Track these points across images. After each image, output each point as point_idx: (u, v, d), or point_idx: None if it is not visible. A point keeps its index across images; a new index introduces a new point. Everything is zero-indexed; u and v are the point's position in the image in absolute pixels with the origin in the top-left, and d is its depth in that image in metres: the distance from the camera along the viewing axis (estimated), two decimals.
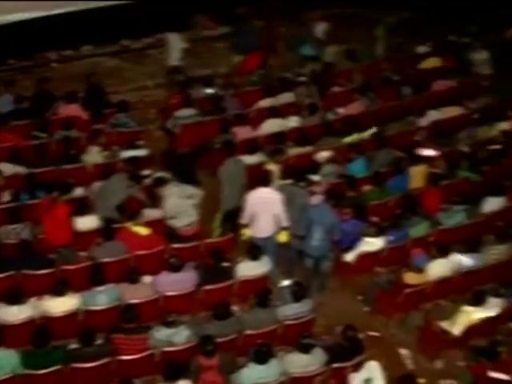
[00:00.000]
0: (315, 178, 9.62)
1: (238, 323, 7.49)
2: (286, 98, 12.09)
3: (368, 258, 8.85)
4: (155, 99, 12.92)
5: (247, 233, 8.97)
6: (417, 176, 10.27)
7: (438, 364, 8.13)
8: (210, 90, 12.20)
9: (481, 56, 13.99)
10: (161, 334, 7.23)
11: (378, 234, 8.92)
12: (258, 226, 8.85)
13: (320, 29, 14.63)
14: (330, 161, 10.28)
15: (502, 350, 7.68)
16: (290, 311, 7.73)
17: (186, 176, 9.54)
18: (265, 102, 11.91)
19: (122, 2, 14.59)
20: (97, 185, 9.60)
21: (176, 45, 13.28)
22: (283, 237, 8.94)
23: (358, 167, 10.42)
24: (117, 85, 13.18)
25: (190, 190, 9.15)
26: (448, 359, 8.13)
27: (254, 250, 8.29)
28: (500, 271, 8.83)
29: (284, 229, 8.90)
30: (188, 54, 13.69)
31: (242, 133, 10.92)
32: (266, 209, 8.76)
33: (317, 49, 14.12)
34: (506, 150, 11.29)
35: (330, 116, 11.87)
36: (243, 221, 8.94)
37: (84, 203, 9.15)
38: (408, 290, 8.36)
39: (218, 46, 15.07)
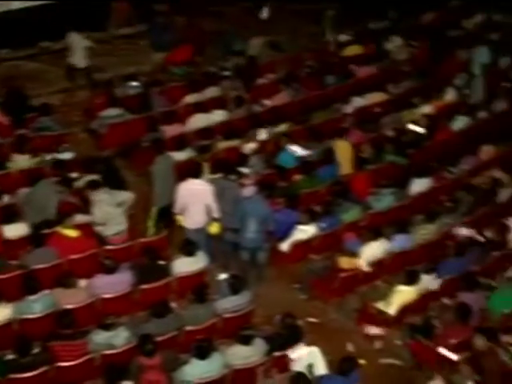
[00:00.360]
0: (244, 170, 9.67)
1: (177, 320, 7.46)
2: (212, 92, 12.08)
3: (302, 245, 8.96)
4: (79, 100, 12.66)
5: (181, 219, 8.96)
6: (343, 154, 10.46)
7: (377, 344, 8.29)
8: (134, 85, 12.05)
9: (396, 42, 14.35)
10: (99, 337, 7.13)
11: (310, 221, 9.03)
12: (189, 216, 8.84)
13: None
14: (256, 152, 10.34)
15: (436, 325, 7.93)
16: (229, 304, 7.74)
17: (115, 181, 9.40)
18: (191, 98, 11.87)
19: (39, 2, 14.23)
20: (23, 191, 9.35)
21: (79, 44, 12.99)
22: (214, 228, 8.94)
23: (287, 157, 10.52)
24: (38, 88, 12.83)
25: (121, 196, 8.99)
26: (386, 338, 8.30)
27: (189, 246, 8.26)
28: (430, 250, 9.09)
29: (215, 220, 8.90)
30: (109, 53, 13.49)
31: (170, 130, 10.85)
32: (196, 200, 8.76)
33: (240, 42, 14.13)
34: (430, 132, 11.62)
35: (257, 108, 11.93)
36: (175, 211, 8.93)
37: (11, 211, 8.91)
38: (343, 275, 8.51)
39: (141, 43, 14.88)
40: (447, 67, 13.79)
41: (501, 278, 8.95)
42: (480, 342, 7.40)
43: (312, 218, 9.08)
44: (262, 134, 10.92)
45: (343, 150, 10.61)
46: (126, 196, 9.05)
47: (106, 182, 9.17)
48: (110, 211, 8.74)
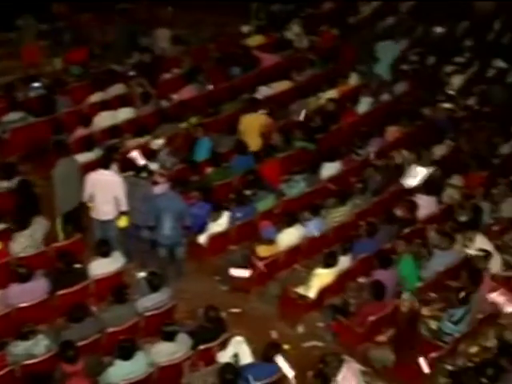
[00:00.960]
0: (154, 166, 9.60)
1: (98, 323, 7.34)
2: (117, 90, 11.89)
3: (219, 237, 9.00)
4: None
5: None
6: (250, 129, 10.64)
7: (300, 328, 8.42)
8: (36, 86, 11.72)
9: (295, 31, 14.55)
10: (18, 348, 6.94)
11: (221, 214, 9.09)
12: (97, 207, 8.75)
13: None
14: (165, 147, 10.28)
15: (353, 304, 8.14)
16: (150, 302, 7.69)
17: (31, 211, 8.95)
18: (95, 97, 11.65)
19: None
20: None
21: None
22: (122, 222, 8.85)
23: (202, 150, 10.50)
24: None
25: (39, 231, 8.64)
26: (308, 322, 8.45)
27: (103, 246, 8.14)
28: (343, 231, 9.31)
29: (123, 213, 8.80)
30: (9, 56, 13.07)
31: (77, 130, 10.62)
32: (103, 190, 8.66)
33: (145, 38, 13.96)
34: (336, 117, 11.87)
35: (164, 103, 11.84)
36: (84, 199, 8.83)
37: None
38: (262, 263, 8.59)
39: (41, 44, 14.45)
40: (349, 53, 14.11)
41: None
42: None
43: (226, 209, 9.13)
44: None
45: (249, 124, 10.70)
46: (43, 227, 8.75)
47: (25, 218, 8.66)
48: (29, 244, 8.47)
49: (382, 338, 7.92)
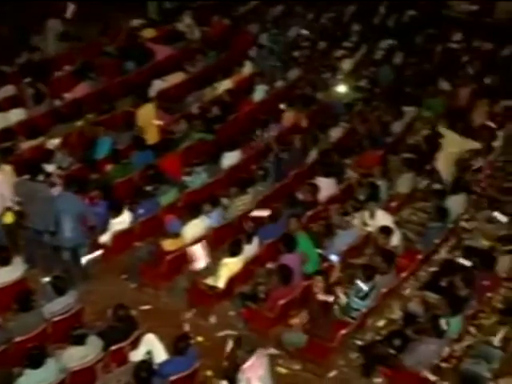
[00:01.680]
0: (51, 167, 9.35)
1: (4, 333, 7.11)
2: (6, 91, 11.46)
3: (123, 235, 8.88)
4: None
5: None
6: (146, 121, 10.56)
7: (212, 319, 8.45)
8: None
9: (186, 22, 14.51)
10: None
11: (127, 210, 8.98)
12: None
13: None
14: (61, 147, 10.04)
15: (262, 290, 8.24)
16: (56, 307, 7.50)
17: None
18: None
19: None
20: None
21: None
22: (8, 218, 8.59)
23: (102, 147, 10.31)
24: None
25: None
26: (220, 312, 8.49)
27: (2, 254, 7.86)
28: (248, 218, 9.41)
29: (8, 209, 8.54)
30: None
31: None
32: None
33: (34, 37, 13.50)
34: (233, 106, 11.93)
35: (57, 102, 11.53)
36: None
37: None
38: (169, 257, 8.56)
39: None
40: (241, 42, 14.21)
41: None
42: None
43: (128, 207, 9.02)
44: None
45: (146, 118, 10.59)
46: None
47: None
48: None
49: (295, 320, 8.05)
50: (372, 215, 9.30)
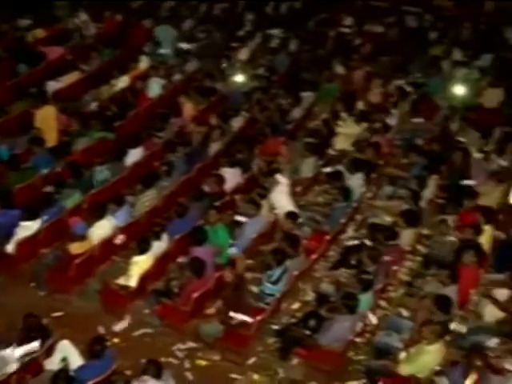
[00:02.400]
0: None
1: None
2: None
3: (28, 242, 8.62)
4: None
5: None
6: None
7: (127, 319, 8.35)
8: None
9: (82, 18, 14.23)
10: None
11: (30, 217, 8.72)
12: None
13: None
14: None
15: (176, 285, 8.23)
16: None
17: None
18: None
19: None
20: None
21: None
22: None
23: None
24: None
25: None
26: (134, 311, 8.40)
27: None
28: (155, 214, 9.35)
29: None
30: None
31: None
32: None
33: None
34: (131, 102, 11.80)
35: None
36: None
37: None
38: (77, 260, 8.40)
39: None
40: (136, 37, 14.04)
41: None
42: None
43: (32, 213, 8.76)
44: None
45: (44, 120, 10.37)
46: None
47: None
48: None
49: (211, 310, 8.08)
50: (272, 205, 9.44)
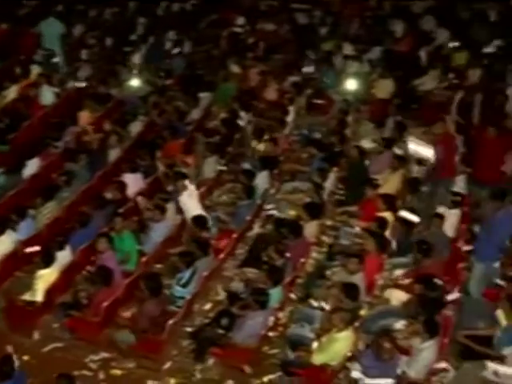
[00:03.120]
0: None
1: None
2: None
3: None
4: None
5: None
6: None
7: (35, 335, 8.10)
8: None
9: None
10: None
11: None
12: None
13: None
14: None
15: (84, 296, 8.07)
16: None
17: None
18: None
19: None
20: None
21: None
22: None
23: None
24: None
25: None
26: (43, 326, 8.16)
27: None
28: (58, 226, 9.13)
29: None
30: None
31: None
32: None
33: None
34: (24, 113, 11.46)
35: None
36: None
37: None
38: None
39: None
40: (25, 45, 13.64)
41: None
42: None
43: None
44: None
45: None
46: None
47: None
48: None
49: (126, 313, 7.98)
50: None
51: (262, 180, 10.12)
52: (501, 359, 7.22)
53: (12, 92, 11.89)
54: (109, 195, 9.64)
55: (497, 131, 10.53)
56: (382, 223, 8.95)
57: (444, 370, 7.33)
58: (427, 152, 10.54)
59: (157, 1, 16.45)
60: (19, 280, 8.67)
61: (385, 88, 12.83)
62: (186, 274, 8.17)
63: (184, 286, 8.13)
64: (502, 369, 7.13)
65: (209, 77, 13.29)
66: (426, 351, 7.15)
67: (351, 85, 12.52)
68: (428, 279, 7.89)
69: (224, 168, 10.78)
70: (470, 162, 10.60)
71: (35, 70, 12.75)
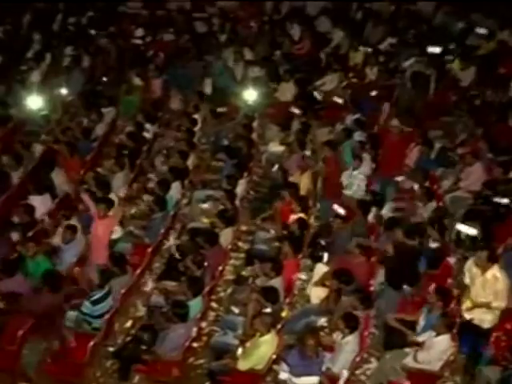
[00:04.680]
0: None
1: None
2: None
3: None
4: None
5: None
6: None
7: None
8: None
9: None
10: None
11: None
12: None
13: None
14: None
15: None
16: None
17: None
18: None
19: None
20: None
21: None
22: None
23: None
24: None
25: None
26: None
27: None
28: None
29: None
30: None
31: None
32: None
33: None
34: None
35: None
36: None
37: None
38: None
39: None
40: None
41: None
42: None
43: None
44: None
45: None
46: None
47: None
48: None
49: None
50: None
51: (173, 191, 10.05)
52: (420, 345, 7.48)
53: None
54: (16, 219, 9.33)
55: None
56: (302, 224, 9.09)
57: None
58: None
59: (51, 16, 16.04)
60: None
61: (287, 91, 13.02)
62: (99, 293, 7.97)
63: (94, 303, 7.90)
64: (421, 354, 7.39)
65: (110, 91, 13.08)
66: (347, 346, 7.30)
67: (253, 90, 12.61)
68: (343, 273, 8.06)
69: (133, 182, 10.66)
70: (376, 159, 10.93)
71: None
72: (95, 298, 7.89)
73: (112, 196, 9.58)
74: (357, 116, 11.91)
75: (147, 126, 11.75)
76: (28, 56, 14.27)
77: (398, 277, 8.36)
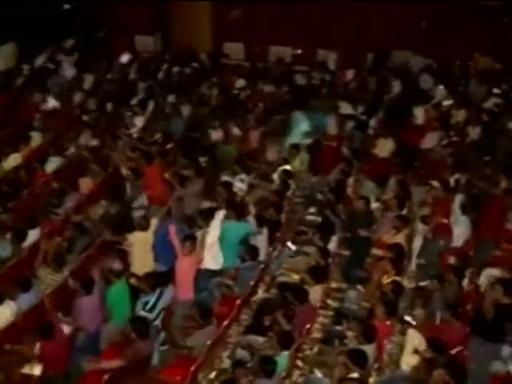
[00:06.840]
0: None
1: None
2: None
3: None
4: None
5: None
6: None
7: None
8: None
9: None
10: None
11: None
12: None
13: None
14: None
15: None
16: None
17: None
18: None
19: None
20: None
21: None
22: None
23: None
24: None
25: None
26: None
27: None
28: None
29: None
30: None
31: None
32: None
33: None
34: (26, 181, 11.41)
35: None
36: None
37: None
38: None
39: None
40: (24, 112, 13.71)
41: None
42: None
43: None
44: None
45: None
46: None
47: None
48: None
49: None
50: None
51: (262, 241, 9.95)
52: None
53: (13, 160, 11.87)
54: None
55: None
56: (397, 287, 8.82)
57: None
58: None
59: (157, 66, 16.65)
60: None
61: (385, 147, 12.84)
62: (152, 299, 7.91)
63: (149, 311, 7.81)
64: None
65: (208, 139, 13.29)
66: None
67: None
68: (436, 343, 7.70)
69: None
70: None
71: (36, 137, 12.76)
72: (150, 305, 7.96)
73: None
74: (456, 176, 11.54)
75: (242, 176, 11.79)
76: (132, 103, 14.75)
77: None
